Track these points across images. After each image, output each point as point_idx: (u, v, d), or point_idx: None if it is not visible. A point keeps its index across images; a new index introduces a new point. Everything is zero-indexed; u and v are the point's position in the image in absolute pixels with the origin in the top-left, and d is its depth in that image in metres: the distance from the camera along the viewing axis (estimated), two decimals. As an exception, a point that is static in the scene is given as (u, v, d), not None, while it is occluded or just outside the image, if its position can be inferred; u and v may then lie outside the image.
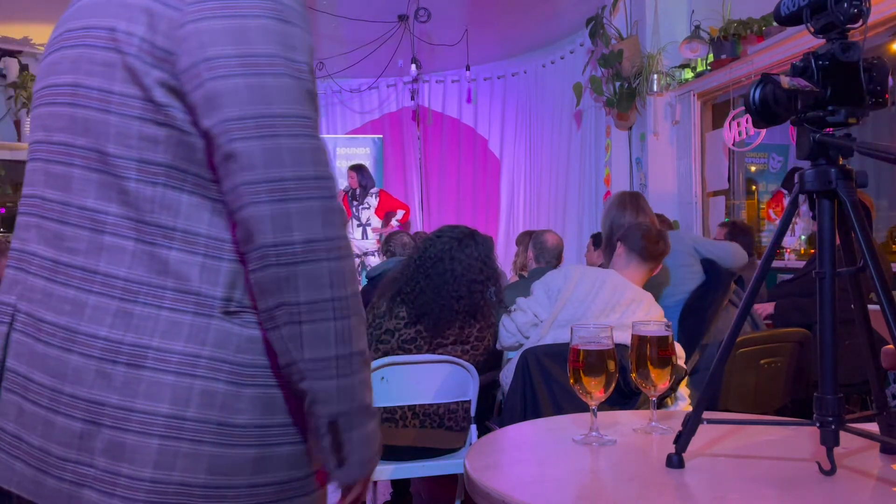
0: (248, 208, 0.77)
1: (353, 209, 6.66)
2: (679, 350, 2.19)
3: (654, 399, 1.32)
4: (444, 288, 2.42)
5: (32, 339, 0.83)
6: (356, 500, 0.90)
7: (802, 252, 4.28)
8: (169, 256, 0.80)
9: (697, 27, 4.65)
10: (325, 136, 7.36)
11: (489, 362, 2.68)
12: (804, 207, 1.24)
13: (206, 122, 0.78)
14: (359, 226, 6.65)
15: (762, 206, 4.94)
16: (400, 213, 6.76)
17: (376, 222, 6.66)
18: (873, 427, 1.10)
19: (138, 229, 0.81)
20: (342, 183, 6.74)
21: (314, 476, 0.87)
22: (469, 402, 2.44)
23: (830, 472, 0.99)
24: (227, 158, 0.77)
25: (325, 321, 0.79)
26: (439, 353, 2.43)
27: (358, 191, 6.67)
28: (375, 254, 6.43)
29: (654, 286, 2.56)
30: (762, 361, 2.55)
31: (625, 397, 2.15)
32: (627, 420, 1.41)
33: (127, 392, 0.79)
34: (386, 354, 2.38)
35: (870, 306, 1.07)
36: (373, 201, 6.66)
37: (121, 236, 0.81)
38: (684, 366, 2.35)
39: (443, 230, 2.59)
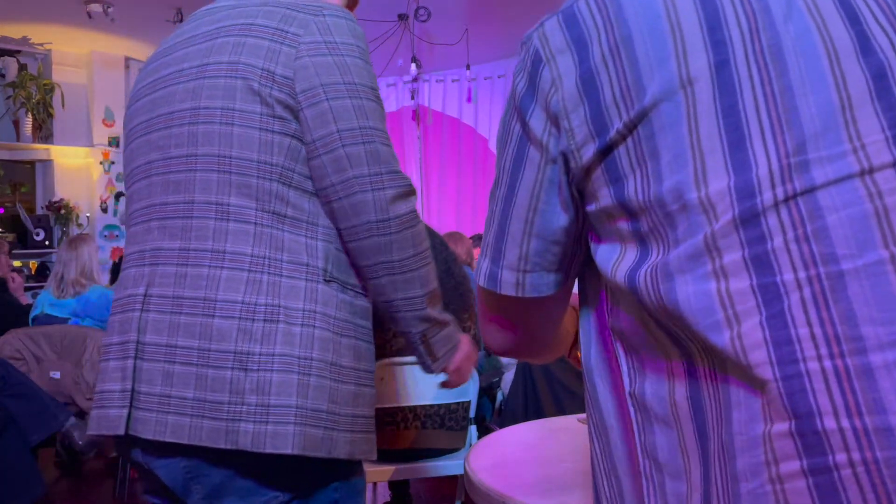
0: (358, 195, 1.03)
1: None
2: None
3: None
4: (453, 280, 2.43)
5: (172, 314, 1.02)
6: (458, 370, 1.21)
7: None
8: (283, 236, 1.03)
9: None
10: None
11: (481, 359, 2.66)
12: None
13: (319, 132, 1.03)
14: None
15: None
16: None
17: None
18: None
19: (257, 216, 1.03)
20: None
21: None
22: (469, 402, 2.43)
23: None
24: (339, 159, 1.03)
25: (412, 271, 1.08)
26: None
27: None
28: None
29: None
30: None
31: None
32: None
33: (266, 342, 1.00)
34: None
35: None
36: None
37: (243, 222, 1.02)
38: None
39: (430, 232, 2.59)
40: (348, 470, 1.08)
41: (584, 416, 1.38)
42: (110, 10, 5.11)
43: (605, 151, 0.64)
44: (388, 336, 2.46)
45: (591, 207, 0.68)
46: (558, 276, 0.75)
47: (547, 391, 2.33)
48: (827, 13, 0.59)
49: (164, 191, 1.07)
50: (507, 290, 0.75)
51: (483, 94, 7.53)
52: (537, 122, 0.70)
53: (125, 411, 1.01)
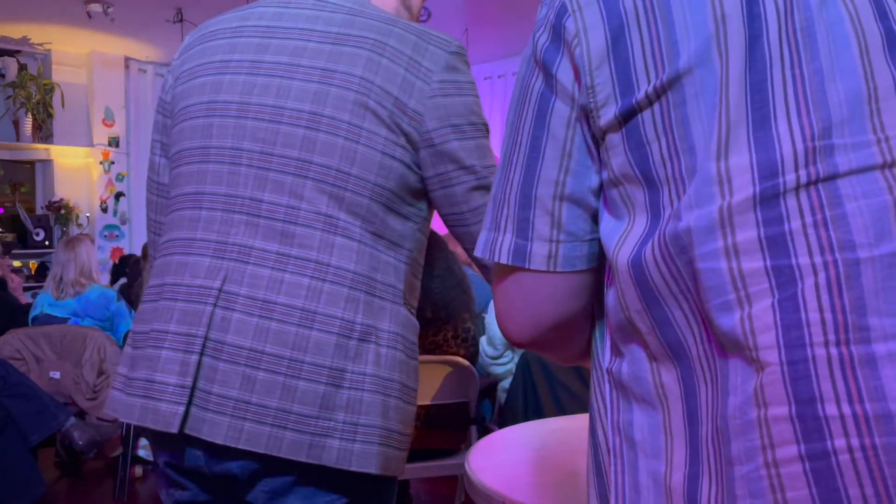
0: (478, 225, 1.08)
1: None
2: None
3: None
4: (454, 279, 2.42)
5: (261, 318, 0.98)
6: None
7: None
8: (379, 256, 1.04)
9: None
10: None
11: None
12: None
13: (441, 168, 1.07)
14: None
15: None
16: None
17: None
18: None
19: (361, 234, 1.03)
20: None
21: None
22: (469, 402, 2.43)
23: None
24: (471, 189, 1.08)
25: None
26: (437, 354, 2.41)
27: None
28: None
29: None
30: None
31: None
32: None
33: (359, 360, 1.00)
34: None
35: None
36: None
37: (350, 238, 1.02)
38: None
39: (431, 233, 2.59)
40: (392, 482, 1.10)
41: (584, 416, 1.38)
42: (110, 10, 5.11)
43: (628, 115, 0.62)
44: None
45: (604, 175, 0.66)
46: (592, 248, 0.69)
47: (547, 391, 2.33)
48: (861, 5, 0.59)
49: (258, 186, 1.03)
50: (538, 264, 0.68)
51: (483, 94, 7.53)
52: (565, 74, 0.66)
53: (181, 408, 0.97)
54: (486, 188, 1.09)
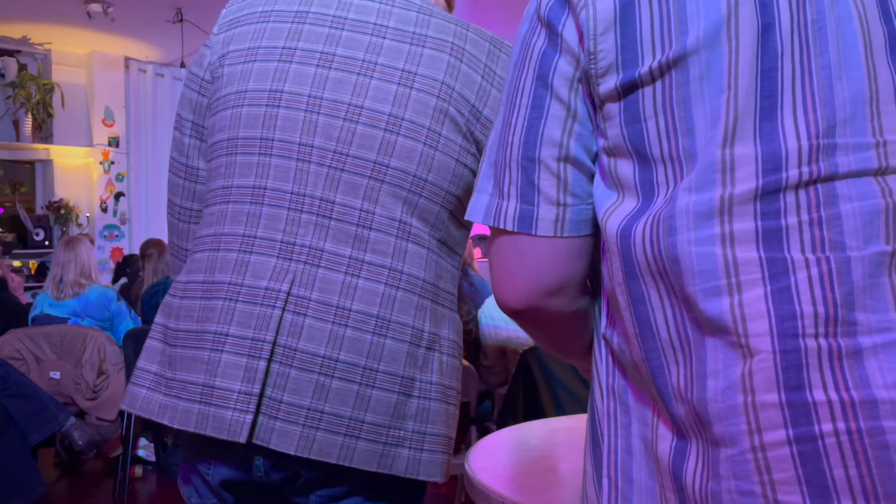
0: None
1: None
2: None
3: None
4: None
5: (335, 324, 0.95)
6: None
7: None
8: (443, 264, 1.03)
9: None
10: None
11: (474, 350, 2.67)
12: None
13: None
14: None
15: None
16: None
17: None
18: None
19: (429, 241, 1.01)
20: None
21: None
22: (468, 403, 2.43)
23: None
24: None
25: None
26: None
27: None
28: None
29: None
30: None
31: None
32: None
33: (426, 369, 1.00)
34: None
35: None
36: None
37: (420, 245, 1.00)
38: None
39: None
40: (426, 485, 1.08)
41: (584, 416, 1.37)
42: (110, 10, 5.11)
43: (629, 89, 0.61)
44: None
45: (600, 142, 0.65)
46: (594, 211, 0.68)
47: (547, 391, 2.32)
48: (869, 5, 0.59)
49: (329, 187, 0.98)
50: (545, 229, 0.66)
51: (483, 94, 7.51)
52: (571, 33, 0.64)
53: (249, 417, 0.91)
54: None
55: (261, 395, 0.92)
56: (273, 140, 0.99)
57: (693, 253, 0.58)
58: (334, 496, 0.98)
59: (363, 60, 1.00)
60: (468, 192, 1.02)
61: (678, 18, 0.60)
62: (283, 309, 0.94)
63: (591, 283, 0.74)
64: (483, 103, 1.02)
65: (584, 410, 1.35)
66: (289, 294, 0.95)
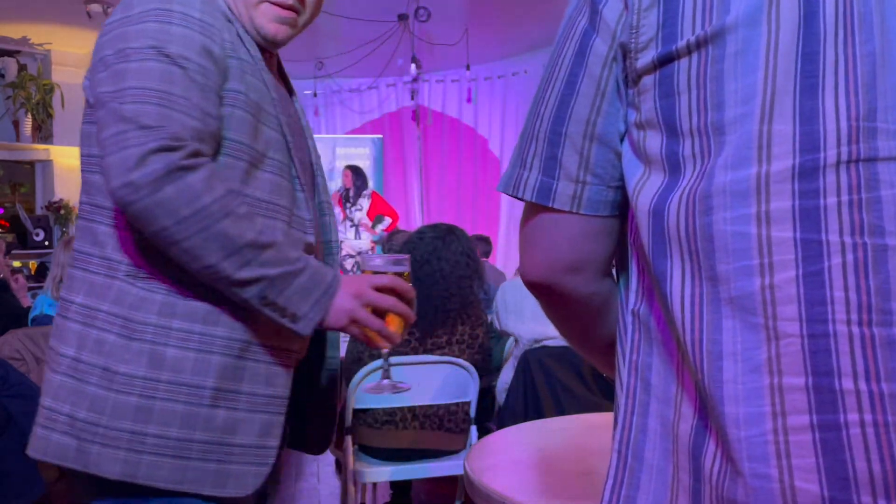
0: (105, 159, 0.99)
1: (347, 210, 6.64)
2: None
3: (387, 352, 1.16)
4: (435, 288, 2.39)
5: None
6: (357, 322, 1.04)
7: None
8: (91, 227, 1.02)
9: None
10: (324, 136, 7.35)
11: (484, 364, 2.67)
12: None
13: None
14: (352, 226, 6.64)
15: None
16: (387, 222, 6.71)
17: (368, 224, 6.64)
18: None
19: (82, 210, 1.05)
20: (336, 183, 6.72)
21: (233, 448, 0.99)
22: (469, 403, 2.43)
23: None
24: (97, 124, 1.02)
25: (191, 238, 0.94)
26: (437, 355, 2.41)
27: (352, 191, 6.66)
28: (369, 252, 6.40)
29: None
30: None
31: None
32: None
33: (56, 337, 1.01)
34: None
35: None
36: (365, 203, 6.65)
37: (82, 218, 1.04)
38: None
39: (423, 230, 2.56)
40: (128, 492, 0.98)
41: (583, 416, 1.38)
42: (110, 10, 5.10)
43: (665, 61, 0.62)
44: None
45: (631, 117, 0.66)
46: (617, 195, 0.69)
47: (547, 391, 2.32)
48: None
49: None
50: (562, 203, 0.68)
51: (483, 94, 7.53)
52: (611, 11, 0.66)
53: None
54: (106, 116, 0.95)
55: None
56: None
57: (728, 232, 0.57)
58: None
59: None
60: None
61: None
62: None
63: (617, 263, 0.74)
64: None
65: (584, 410, 1.35)
66: None
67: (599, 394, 2.35)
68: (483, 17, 5.98)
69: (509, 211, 7.44)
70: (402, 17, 5.97)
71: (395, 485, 3.04)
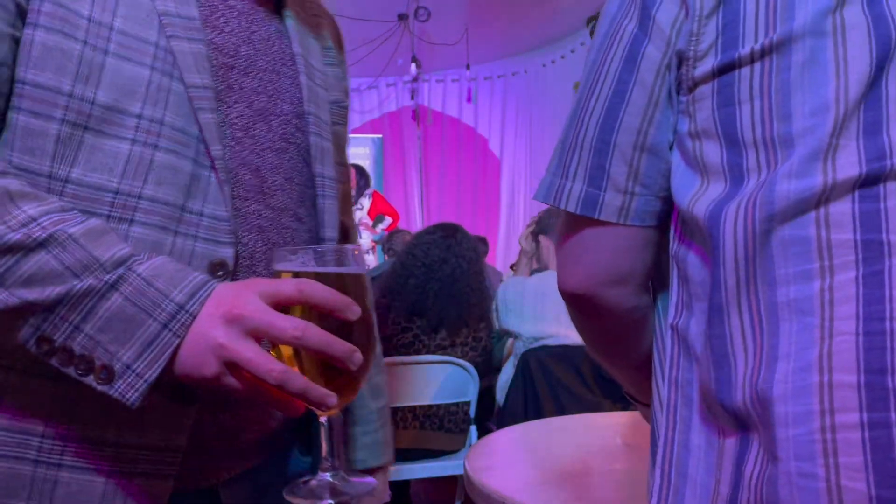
0: None
1: None
2: None
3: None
4: (456, 286, 2.41)
5: None
6: (236, 366, 0.58)
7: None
8: None
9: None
10: (324, 135, 7.34)
11: (486, 365, 2.67)
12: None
13: None
14: None
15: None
16: (387, 221, 6.70)
17: (368, 223, 6.64)
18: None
19: None
20: None
21: None
22: (469, 403, 2.43)
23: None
24: None
25: None
26: (439, 355, 2.41)
27: (353, 190, 6.65)
28: (369, 252, 6.40)
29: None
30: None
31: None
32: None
33: None
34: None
35: None
36: (365, 202, 6.65)
37: None
38: None
39: (431, 230, 2.57)
40: None
41: (584, 416, 1.38)
42: None
43: (725, 70, 0.60)
44: (397, 329, 2.46)
45: (683, 126, 0.64)
46: (663, 205, 0.67)
47: (547, 391, 2.32)
48: None
49: None
50: (609, 215, 0.66)
51: (483, 94, 7.53)
52: (666, 16, 0.63)
53: None
54: None
55: None
56: None
57: (787, 236, 0.57)
58: None
59: None
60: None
61: (785, 1, 0.59)
62: None
63: (654, 279, 0.73)
64: None
65: (584, 410, 1.35)
66: None
67: (599, 393, 2.36)
68: (483, 17, 5.98)
69: (509, 211, 7.45)
70: (402, 17, 5.97)
71: (393, 485, 3.04)
